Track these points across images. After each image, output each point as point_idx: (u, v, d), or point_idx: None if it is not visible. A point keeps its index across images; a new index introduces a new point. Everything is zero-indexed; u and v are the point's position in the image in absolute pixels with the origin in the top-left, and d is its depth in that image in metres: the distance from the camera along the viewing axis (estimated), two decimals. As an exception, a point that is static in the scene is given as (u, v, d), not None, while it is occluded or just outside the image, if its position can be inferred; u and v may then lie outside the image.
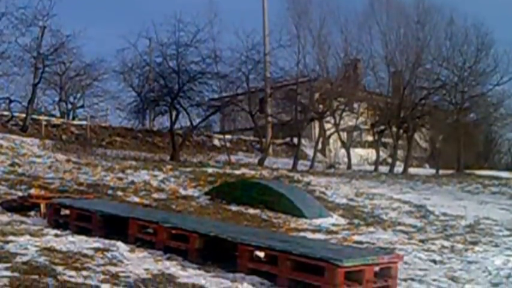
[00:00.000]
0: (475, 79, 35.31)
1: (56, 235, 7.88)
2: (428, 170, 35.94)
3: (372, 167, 32.40)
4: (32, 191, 11.61)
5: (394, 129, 33.42)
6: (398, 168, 31.71)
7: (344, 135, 36.48)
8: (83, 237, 7.76)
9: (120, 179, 15.47)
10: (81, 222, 8.76)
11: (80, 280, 5.49)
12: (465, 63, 34.53)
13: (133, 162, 20.60)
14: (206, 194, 14.49)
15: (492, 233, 12.11)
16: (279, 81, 31.41)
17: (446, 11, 35.00)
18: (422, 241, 10.46)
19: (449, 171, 32.54)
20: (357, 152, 38.90)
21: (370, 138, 38.96)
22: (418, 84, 33.74)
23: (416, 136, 36.61)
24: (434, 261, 8.48)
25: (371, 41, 34.98)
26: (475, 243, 10.59)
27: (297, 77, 31.29)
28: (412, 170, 32.22)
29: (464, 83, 34.55)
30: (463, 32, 34.73)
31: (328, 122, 34.33)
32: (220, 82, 28.10)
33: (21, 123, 27.30)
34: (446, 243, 10.28)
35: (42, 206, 9.96)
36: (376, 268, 6.19)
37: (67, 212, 9.28)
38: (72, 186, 13.45)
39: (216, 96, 29.80)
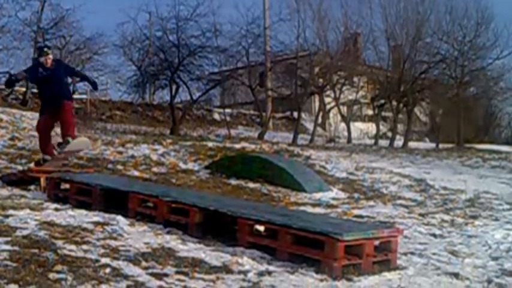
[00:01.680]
0: (475, 53, 35.21)
1: (56, 209, 7.87)
2: (428, 144, 35.95)
3: (372, 141, 32.42)
4: (32, 165, 11.58)
5: (394, 103, 33.35)
6: (398, 142, 31.70)
7: (344, 109, 36.43)
8: (83, 211, 7.75)
9: (120, 153, 15.44)
10: (81, 196, 8.75)
11: (80, 254, 5.49)
12: (465, 37, 34.40)
13: (133, 136, 20.61)
14: (206, 168, 14.47)
15: (492, 207, 12.09)
16: (279, 55, 31.31)
17: (446, -16, 34.81)
18: (422, 215, 10.44)
19: (449, 145, 32.53)
20: (357, 126, 38.86)
21: (370, 112, 38.94)
22: (418, 58, 33.58)
23: (416, 110, 36.59)
24: (434, 235, 8.47)
25: (371, 15, 34.82)
26: (475, 217, 10.57)
27: (297, 51, 31.11)
28: (412, 144, 32.22)
29: (464, 57, 34.43)
30: (463, 6, 34.62)
31: (328, 96, 34.31)
32: (220, 56, 28.10)
33: (21, 97, 27.25)
34: (446, 217, 10.27)
35: (42, 180, 9.93)
36: (376, 242, 6.19)
37: (67, 186, 9.26)
38: (71, 160, 13.43)
39: (216, 70, 29.78)
